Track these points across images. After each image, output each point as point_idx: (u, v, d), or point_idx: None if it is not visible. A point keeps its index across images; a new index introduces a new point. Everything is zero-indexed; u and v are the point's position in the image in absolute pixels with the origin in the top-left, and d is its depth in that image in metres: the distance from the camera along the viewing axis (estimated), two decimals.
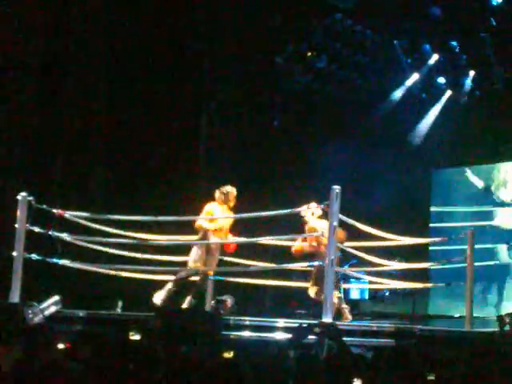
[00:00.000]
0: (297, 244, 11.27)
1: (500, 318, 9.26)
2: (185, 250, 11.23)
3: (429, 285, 14.14)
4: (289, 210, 10.81)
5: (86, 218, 11.36)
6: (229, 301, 10.96)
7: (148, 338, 7.24)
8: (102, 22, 15.35)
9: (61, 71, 15.01)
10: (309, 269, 11.01)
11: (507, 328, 9.09)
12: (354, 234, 11.02)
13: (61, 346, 6.21)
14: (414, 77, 17.68)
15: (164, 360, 5.48)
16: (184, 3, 16.04)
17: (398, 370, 5.35)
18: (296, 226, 11.56)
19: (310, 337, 7.05)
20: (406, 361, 5.47)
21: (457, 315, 14.56)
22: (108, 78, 15.47)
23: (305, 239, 11.23)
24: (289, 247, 11.48)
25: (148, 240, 11.39)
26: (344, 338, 7.99)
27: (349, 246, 10.70)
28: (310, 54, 17.39)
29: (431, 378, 5.36)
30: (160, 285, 11.04)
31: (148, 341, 6.89)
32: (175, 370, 5.33)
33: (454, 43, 16.86)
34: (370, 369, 5.67)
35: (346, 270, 11.73)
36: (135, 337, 7.47)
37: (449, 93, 17.86)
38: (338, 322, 9.45)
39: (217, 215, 11.04)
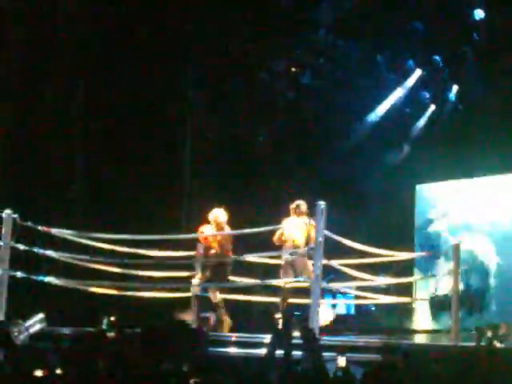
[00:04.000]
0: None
1: (479, 330, 9.28)
2: (169, 266, 11.22)
3: (415, 299, 14.16)
4: (272, 227, 10.84)
5: (72, 235, 11.35)
6: (212, 317, 10.96)
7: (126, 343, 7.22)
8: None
9: (38, 84, 14.95)
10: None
11: (484, 341, 9.11)
12: (340, 250, 11.04)
13: (39, 373, 6.16)
14: (398, 92, 17.75)
15: (145, 375, 5.47)
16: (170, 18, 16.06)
17: None
18: None
19: (296, 352, 7.06)
20: (392, 376, 5.48)
21: (443, 329, 14.57)
22: (86, 92, 15.43)
23: None
24: (274, 264, 11.50)
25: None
26: (329, 354, 8.05)
27: (336, 262, 10.72)
28: (293, 69, 17.43)
29: None
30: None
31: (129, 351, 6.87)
32: None
33: (437, 58, 16.94)
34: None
35: (332, 285, 11.74)
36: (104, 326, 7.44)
37: (432, 107, 17.93)
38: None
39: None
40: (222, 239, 11.20)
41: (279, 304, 10.87)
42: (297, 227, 10.85)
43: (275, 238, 11.02)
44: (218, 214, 11.24)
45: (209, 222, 11.26)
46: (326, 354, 7.59)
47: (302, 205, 10.99)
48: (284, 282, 10.78)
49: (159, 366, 6.46)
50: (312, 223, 10.53)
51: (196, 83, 16.81)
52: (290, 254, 10.75)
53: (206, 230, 11.21)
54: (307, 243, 10.63)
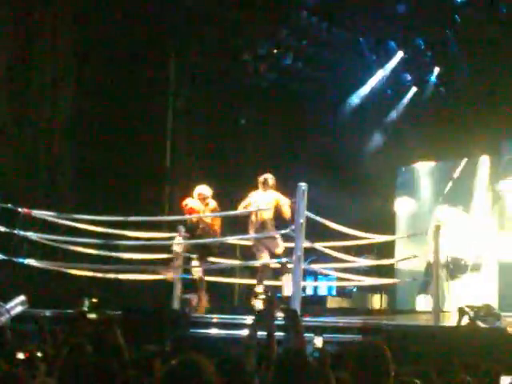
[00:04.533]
0: None
1: (460, 310, 9.32)
2: (153, 248, 11.22)
3: (396, 280, 14.21)
4: (255, 209, 10.83)
5: (53, 217, 11.33)
6: (194, 299, 10.97)
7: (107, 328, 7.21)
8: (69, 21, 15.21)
9: (29, 63, 14.84)
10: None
11: (465, 320, 9.16)
12: (323, 232, 11.06)
13: (20, 355, 6.14)
14: (380, 74, 17.75)
15: (127, 358, 5.47)
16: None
17: (365, 366, 5.36)
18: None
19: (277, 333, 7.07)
20: (372, 356, 5.49)
21: (424, 309, 14.64)
22: (76, 75, 15.33)
23: None
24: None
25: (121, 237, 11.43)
26: (311, 335, 8.08)
27: (318, 245, 10.74)
28: (275, 51, 17.39)
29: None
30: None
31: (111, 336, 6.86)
32: (139, 368, 5.31)
33: (419, 40, 16.94)
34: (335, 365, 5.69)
35: (314, 266, 11.76)
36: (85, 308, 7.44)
37: (414, 89, 17.94)
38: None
39: None
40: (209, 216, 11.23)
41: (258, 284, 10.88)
42: (263, 201, 10.87)
43: (239, 206, 11.02)
44: (202, 189, 11.25)
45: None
46: (307, 335, 7.62)
47: (270, 179, 11.00)
48: (263, 263, 10.79)
49: (140, 347, 6.46)
50: (279, 198, 10.63)
51: (179, 65, 16.75)
52: (256, 232, 10.77)
53: (191, 202, 11.19)
54: (274, 218, 10.70)
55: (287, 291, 10.57)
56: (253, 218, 10.92)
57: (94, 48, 15.24)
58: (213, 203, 11.28)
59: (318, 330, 8.49)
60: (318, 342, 7.85)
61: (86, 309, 11.98)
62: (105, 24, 15.16)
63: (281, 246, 10.70)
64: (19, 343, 6.64)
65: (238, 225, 11.65)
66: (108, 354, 5.59)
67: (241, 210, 11.02)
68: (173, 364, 5.16)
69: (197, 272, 11.00)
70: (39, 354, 6.21)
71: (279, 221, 10.86)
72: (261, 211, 10.80)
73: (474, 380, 5.47)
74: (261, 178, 11.02)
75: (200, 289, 11.00)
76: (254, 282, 11.92)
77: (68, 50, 15.23)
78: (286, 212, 10.61)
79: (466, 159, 16.88)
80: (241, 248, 12.63)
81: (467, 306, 9.48)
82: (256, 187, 11.14)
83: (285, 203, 10.65)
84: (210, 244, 11.13)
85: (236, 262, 12.01)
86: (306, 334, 7.63)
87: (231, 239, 11.58)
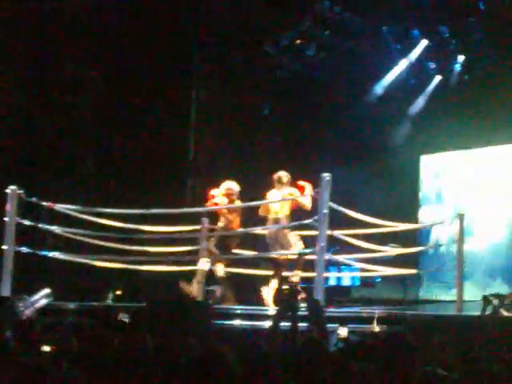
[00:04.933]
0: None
1: (485, 299, 9.27)
2: (175, 241, 11.24)
3: (417, 271, 14.15)
4: (280, 199, 10.80)
5: (75, 211, 11.37)
6: (218, 291, 10.97)
7: (137, 327, 7.25)
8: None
9: (49, 63, 14.90)
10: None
11: (490, 310, 9.11)
12: (345, 222, 11.02)
13: (47, 348, 6.16)
14: (403, 63, 17.64)
15: (152, 350, 5.48)
16: None
17: (389, 356, 5.35)
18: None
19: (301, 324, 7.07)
20: (397, 346, 5.47)
21: (448, 299, 14.58)
22: (93, 71, 15.37)
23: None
24: None
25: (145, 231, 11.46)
26: (335, 325, 8.07)
27: (340, 233, 10.69)
28: (298, 41, 17.33)
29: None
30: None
31: (136, 330, 6.89)
32: (164, 360, 5.32)
33: (443, 28, 16.82)
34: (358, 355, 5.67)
35: (338, 257, 11.72)
36: (124, 319, 7.48)
37: (438, 78, 17.83)
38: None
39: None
40: (229, 212, 11.19)
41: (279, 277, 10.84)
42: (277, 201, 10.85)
43: (260, 209, 10.97)
44: (231, 185, 11.21)
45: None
46: (330, 326, 7.61)
47: (284, 176, 10.90)
48: (293, 253, 10.74)
49: (165, 339, 6.46)
50: (293, 192, 10.58)
51: (202, 57, 16.75)
52: (271, 232, 10.74)
53: (217, 198, 11.16)
54: (291, 215, 10.68)
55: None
56: (269, 217, 10.89)
57: (116, 40, 15.26)
58: (237, 203, 11.25)
59: (343, 321, 8.47)
60: (343, 332, 7.84)
61: (110, 301, 12.11)
62: (129, 17, 15.19)
63: (296, 245, 10.60)
64: (45, 336, 6.66)
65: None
66: (133, 346, 5.60)
67: (263, 212, 10.96)
68: (197, 356, 5.18)
69: (219, 271, 11.01)
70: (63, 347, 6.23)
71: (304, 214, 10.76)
72: (275, 211, 10.75)
73: (498, 370, 5.43)
74: (275, 176, 10.91)
75: (225, 284, 10.98)
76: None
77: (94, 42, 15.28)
78: (306, 204, 10.52)
79: (490, 147, 16.79)
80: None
81: (492, 295, 9.43)
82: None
83: (300, 196, 10.56)
84: (229, 243, 11.12)
85: (259, 254, 11.96)
86: (329, 325, 7.65)
87: (246, 230, 11.48)
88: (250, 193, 11.76)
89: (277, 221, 10.72)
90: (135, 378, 5.01)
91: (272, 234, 10.71)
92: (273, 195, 10.88)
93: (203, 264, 11.04)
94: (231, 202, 11.18)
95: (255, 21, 16.62)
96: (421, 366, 5.24)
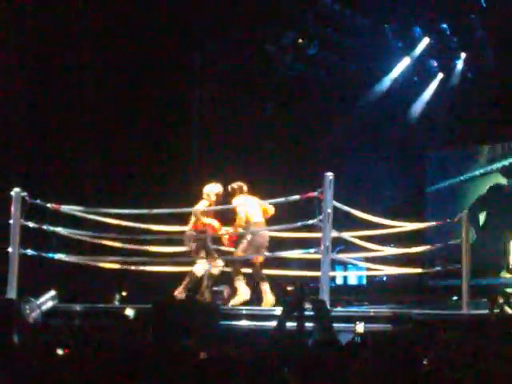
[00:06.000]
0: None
1: (493, 297, 9.26)
2: (179, 240, 11.25)
3: (423, 269, 14.14)
4: (283, 199, 10.80)
5: (81, 212, 11.39)
6: (226, 290, 10.99)
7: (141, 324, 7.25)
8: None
9: (51, 64, 14.90)
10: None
11: (497, 309, 9.11)
12: (349, 222, 11.04)
13: (59, 351, 6.16)
14: (406, 60, 17.65)
15: (155, 352, 5.47)
16: None
17: (395, 355, 5.34)
18: (290, 214, 11.54)
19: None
20: (402, 345, 5.47)
21: (454, 298, 14.58)
22: (97, 73, 15.37)
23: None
24: (283, 237, 11.52)
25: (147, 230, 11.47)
26: (342, 324, 8.08)
27: (346, 235, 10.71)
28: (300, 40, 17.34)
29: (424, 362, 5.36)
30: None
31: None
32: (170, 362, 5.32)
33: (445, 26, 16.82)
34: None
35: (341, 255, 11.74)
36: (129, 314, 7.49)
37: (440, 75, 17.83)
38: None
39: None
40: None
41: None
42: (252, 205, 10.89)
43: (242, 220, 10.98)
44: (210, 188, 11.23)
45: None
46: (336, 325, 7.61)
47: (244, 186, 11.07)
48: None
49: (171, 341, 6.47)
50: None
51: (205, 56, 16.76)
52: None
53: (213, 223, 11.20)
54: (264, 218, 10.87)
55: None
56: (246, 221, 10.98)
57: (117, 37, 15.27)
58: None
59: (358, 318, 8.53)
60: (360, 328, 7.86)
61: (117, 303, 12.11)
62: (130, 14, 15.20)
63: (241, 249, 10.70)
64: (55, 339, 6.65)
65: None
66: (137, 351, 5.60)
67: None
68: (203, 358, 5.19)
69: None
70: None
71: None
72: (251, 215, 10.83)
73: (505, 369, 5.44)
74: (234, 185, 11.06)
75: (236, 282, 11.00)
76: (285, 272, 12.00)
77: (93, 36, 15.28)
78: (271, 209, 10.87)
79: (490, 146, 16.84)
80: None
81: (500, 293, 9.42)
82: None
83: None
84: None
85: (265, 254, 11.97)
86: (338, 324, 7.66)
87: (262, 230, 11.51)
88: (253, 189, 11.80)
89: (254, 225, 10.84)
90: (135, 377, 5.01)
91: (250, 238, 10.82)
92: (247, 201, 10.93)
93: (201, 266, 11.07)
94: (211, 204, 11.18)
95: (258, 20, 16.64)
96: (427, 365, 5.25)
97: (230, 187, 11.13)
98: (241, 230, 10.95)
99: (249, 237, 10.84)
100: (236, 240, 11.08)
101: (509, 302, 9.59)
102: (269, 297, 10.66)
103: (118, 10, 15.15)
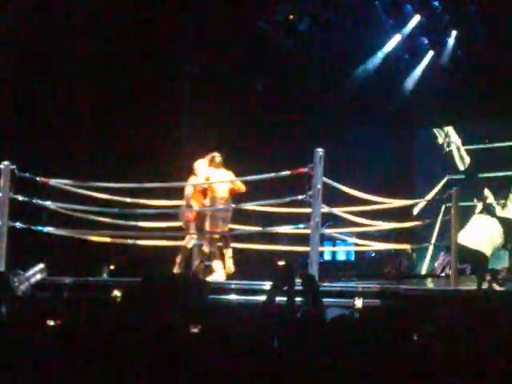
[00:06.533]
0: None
1: (479, 274, 9.31)
2: (168, 215, 11.26)
3: (413, 246, 14.20)
4: (273, 174, 10.80)
5: (71, 185, 11.36)
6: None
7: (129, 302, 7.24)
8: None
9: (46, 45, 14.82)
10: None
11: (485, 286, 9.15)
12: (339, 198, 11.06)
13: (51, 322, 6.15)
14: (396, 37, 17.61)
15: (141, 327, 5.46)
16: None
17: (384, 330, 5.36)
18: (280, 189, 11.55)
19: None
20: (391, 320, 5.49)
21: (443, 273, 14.65)
22: (92, 53, 15.30)
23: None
24: (273, 212, 11.52)
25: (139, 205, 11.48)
26: (330, 299, 8.11)
27: (336, 210, 10.73)
28: (291, 16, 17.27)
29: (415, 337, 5.39)
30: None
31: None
32: (158, 336, 5.32)
33: (436, 3, 16.79)
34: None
35: (330, 231, 11.77)
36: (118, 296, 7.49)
37: (431, 53, 17.81)
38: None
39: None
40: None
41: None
42: (217, 179, 10.90)
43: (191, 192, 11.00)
44: (196, 164, 11.24)
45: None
46: (326, 300, 7.64)
47: (217, 157, 11.02)
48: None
49: (161, 315, 6.47)
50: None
51: (195, 33, 16.68)
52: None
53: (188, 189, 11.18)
54: (231, 194, 10.86)
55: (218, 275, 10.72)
56: (210, 195, 10.98)
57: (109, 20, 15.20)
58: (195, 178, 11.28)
59: (347, 293, 8.59)
60: (359, 303, 7.90)
61: (105, 276, 12.09)
62: None
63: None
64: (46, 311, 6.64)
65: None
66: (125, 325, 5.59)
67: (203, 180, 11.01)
68: (195, 331, 5.20)
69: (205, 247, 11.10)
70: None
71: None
72: (215, 189, 10.86)
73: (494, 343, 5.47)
74: (208, 157, 11.08)
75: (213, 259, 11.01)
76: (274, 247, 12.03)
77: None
78: (241, 186, 10.90)
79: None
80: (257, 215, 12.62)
81: (487, 270, 9.47)
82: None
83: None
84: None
85: (255, 229, 11.98)
86: (328, 299, 7.69)
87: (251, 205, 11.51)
88: (243, 166, 11.79)
89: (220, 199, 10.83)
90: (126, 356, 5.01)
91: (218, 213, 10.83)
92: (212, 173, 10.91)
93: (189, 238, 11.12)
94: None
95: None
96: (417, 340, 5.27)
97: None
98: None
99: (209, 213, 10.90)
100: (197, 216, 11.07)
101: (496, 279, 9.65)
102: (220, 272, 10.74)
103: None
